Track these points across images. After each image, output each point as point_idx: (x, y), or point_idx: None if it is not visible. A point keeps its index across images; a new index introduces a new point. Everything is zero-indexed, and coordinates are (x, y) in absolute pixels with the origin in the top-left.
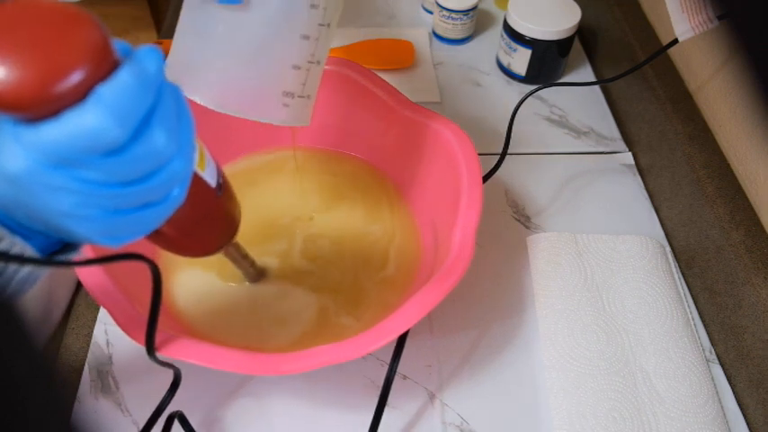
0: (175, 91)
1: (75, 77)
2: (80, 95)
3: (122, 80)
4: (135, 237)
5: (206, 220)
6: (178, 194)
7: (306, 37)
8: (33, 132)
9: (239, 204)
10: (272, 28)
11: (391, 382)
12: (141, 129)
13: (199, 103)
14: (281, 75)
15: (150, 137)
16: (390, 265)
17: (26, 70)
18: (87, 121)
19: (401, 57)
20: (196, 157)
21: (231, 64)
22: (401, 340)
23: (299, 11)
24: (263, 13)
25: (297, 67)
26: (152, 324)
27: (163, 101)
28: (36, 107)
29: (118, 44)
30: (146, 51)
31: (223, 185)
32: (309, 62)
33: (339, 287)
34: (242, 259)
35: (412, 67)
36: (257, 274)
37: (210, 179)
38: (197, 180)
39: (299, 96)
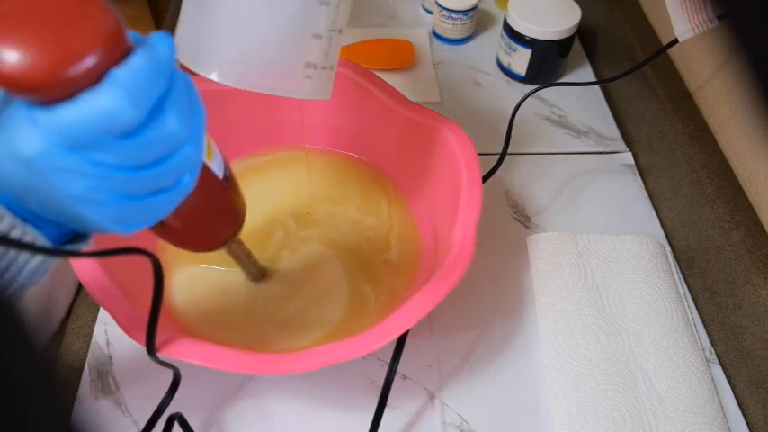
0: (187, 79)
1: (90, 61)
2: (95, 78)
3: (137, 63)
4: (145, 224)
5: (212, 212)
6: (189, 181)
7: (326, 3)
8: (48, 115)
9: (244, 200)
10: None
11: (391, 382)
12: (155, 113)
13: (217, 81)
14: (303, 45)
15: (164, 121)
16: (393, 251)
17: (41, 53)
18: (102, 103)
19: (401, 57)
20: (205, 147)
21: (250, 38)
22: (401, 340)
23: None
24: None
25: (318, 36)
26: (153, 322)
27: (176, 86)
28: (51, 90)
29: (130, 33)
30: (158, 37)
31: (229, 178)
32: (331, 30)
33: (344, 245)
34: (245, 258)
35: (412, 67)
36: (260, 273)
37: (218, 170)
38: (205, 170)
39: (321, 67)
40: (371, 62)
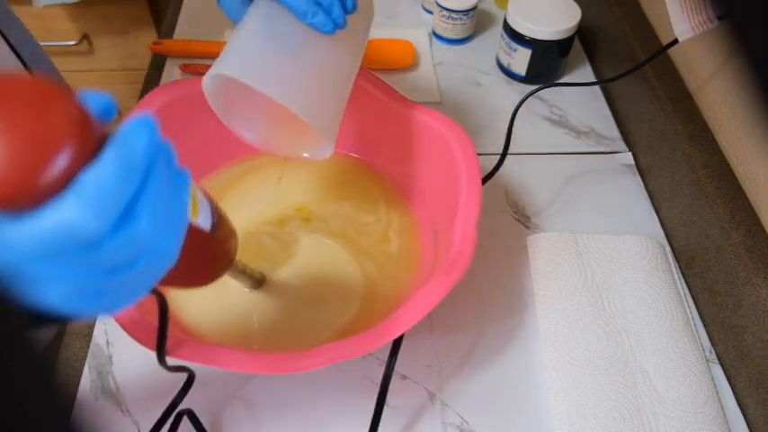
0: (168, 153)
1: (55, 170)
2: (63, 183)
3: (105, 168)
4: (126, 304)
5: (200, 263)
6: (167, 265)
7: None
8: (12, 229)
9: (235, 232)
10: (353, 59)
11: (389, 380)
12: (126, 215)
13: (273, 98)
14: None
15: (134, 224)
16: (393, 244)
17: (2, 169)
18: (65, 216)
19: (401, 57)
20: (189, 207)
21: (316, 82)
22: (397, 339)
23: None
24: (351, 44)
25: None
26: (162, 334)
27: (151, 179)
28: (15, 204)
29: (102, 100)
30: (134, 128)
31: (217, 224)
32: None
33: (344, 237)
34: (240, 274)
35: (412, 67)
36: (257, 282)
37: (204, 223)
38: (190, 230)
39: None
40: (371, 62)
